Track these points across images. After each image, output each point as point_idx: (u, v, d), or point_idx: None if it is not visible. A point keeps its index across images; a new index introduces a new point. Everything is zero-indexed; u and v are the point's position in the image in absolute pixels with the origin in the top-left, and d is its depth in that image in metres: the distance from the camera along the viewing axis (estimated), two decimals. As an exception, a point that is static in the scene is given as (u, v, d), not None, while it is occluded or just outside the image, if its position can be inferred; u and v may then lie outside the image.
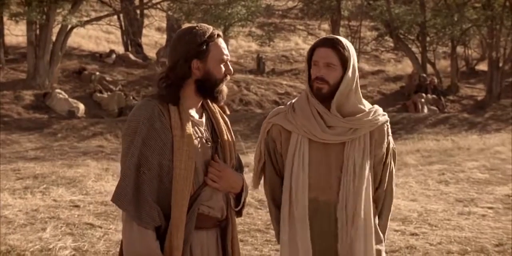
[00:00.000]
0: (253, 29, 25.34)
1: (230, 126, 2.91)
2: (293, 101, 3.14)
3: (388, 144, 3.14)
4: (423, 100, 21.23)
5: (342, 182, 3.02)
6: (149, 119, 2.63)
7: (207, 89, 2.73)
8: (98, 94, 18.08)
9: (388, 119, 3.14)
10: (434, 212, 7.71)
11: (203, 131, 2.78)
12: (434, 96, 21.89)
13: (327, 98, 3.01)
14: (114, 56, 21.67)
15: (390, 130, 3.16)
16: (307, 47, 32.00)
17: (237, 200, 2.87)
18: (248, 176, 3.11)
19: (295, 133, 3.05)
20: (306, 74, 3.09)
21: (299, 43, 32.06)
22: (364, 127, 3.03)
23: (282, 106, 3.18)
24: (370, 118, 3.04)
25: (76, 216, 7.17)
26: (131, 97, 18.29)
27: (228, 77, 2.78)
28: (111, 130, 15.37)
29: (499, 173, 10.53)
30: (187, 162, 2.65)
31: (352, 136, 3.02)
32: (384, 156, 3.13)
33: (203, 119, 2.81)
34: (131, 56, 21.86)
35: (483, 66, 25.98)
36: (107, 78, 19.38)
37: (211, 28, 2.75)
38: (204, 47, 2.68)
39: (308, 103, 3.04)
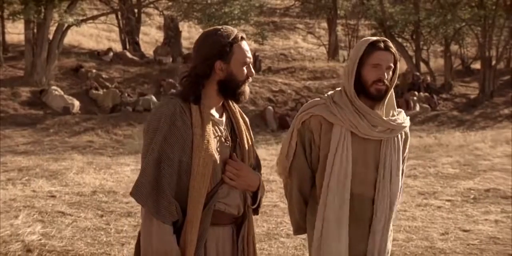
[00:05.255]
0: (251, 27, 25.66)
1: (249, 126, 2.98)
2: (331, 97, 3.22)
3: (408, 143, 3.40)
4: (415, 98, 21.52)
5: (378, 178, 3.17)
6: (171, 116, 2.68)
7: (229, 90, 2.78)
8: (94, 91, 18.49)
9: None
10: (393, 204, 8.02)
11: (222, 130, 2.84)
12: (426, 94, 22.19)
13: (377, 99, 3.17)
14: (111, 54, 22.09)
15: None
16: (306, 45, 32.31)
17: (254, 199, 2.93)
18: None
19: (338, 126, 3.13)
20: (352, 75, 3.15)
21: (298, 42, 32.38)
22: (399, 128, 3.22)
23: (317, 99, 3.26)
24: (403, 120, 3.25)
25: (50, 205, 7.54)
26: (126, 94, 18.68)
27: (250, 79, 2.85)
28: (102, 126, 15.77)
29: (470, 168, 10.75)
30: (205, 160, 2.70)
31: (389, 135, 3.20)
32: (406, 154, 3.35)
33: (223, 118, 2.87)
34: (128, 54, 22.28)
35: (478, 65, 26.22)
36: (104, 76, 19.79)
37: (235, 30, 2.79)
38: (228, 49, 2.73)
39: (351, 104, 3.16)
